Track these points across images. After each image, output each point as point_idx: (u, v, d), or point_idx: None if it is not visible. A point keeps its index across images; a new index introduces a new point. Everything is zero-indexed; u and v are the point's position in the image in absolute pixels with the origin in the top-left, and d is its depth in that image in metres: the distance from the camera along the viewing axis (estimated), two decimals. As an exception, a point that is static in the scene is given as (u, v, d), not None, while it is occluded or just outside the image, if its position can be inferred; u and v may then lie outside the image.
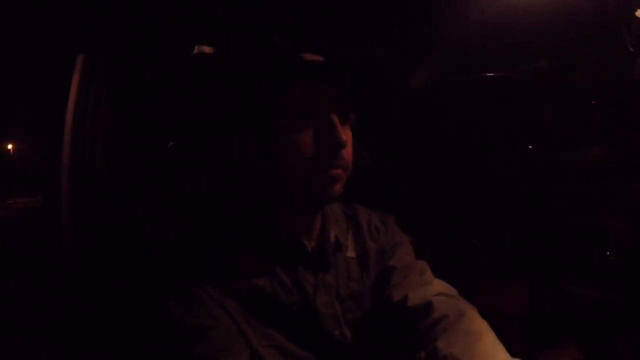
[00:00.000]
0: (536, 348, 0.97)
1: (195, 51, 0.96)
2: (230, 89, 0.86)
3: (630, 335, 1.02)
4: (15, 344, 0.76)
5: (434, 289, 0.82)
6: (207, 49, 0.97)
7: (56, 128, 0.79)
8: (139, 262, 0.91)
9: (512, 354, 0.66)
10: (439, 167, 1.47)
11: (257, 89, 0.79)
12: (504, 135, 1.39)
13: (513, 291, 1.23)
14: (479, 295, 0.81)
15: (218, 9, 0.93)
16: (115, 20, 0.84)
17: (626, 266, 1.09)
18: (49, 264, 0.80)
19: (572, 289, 1.18)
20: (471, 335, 0.70)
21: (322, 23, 0.97)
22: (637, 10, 0.83)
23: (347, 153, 0.77)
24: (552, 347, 0.73)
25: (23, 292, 0.79)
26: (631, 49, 0.85)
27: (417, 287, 0.82)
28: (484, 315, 0.75)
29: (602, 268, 1.14)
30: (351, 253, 0.89)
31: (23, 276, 0.80)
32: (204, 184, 1.01)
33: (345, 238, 0.90)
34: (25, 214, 0.84)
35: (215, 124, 0.98)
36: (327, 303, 0.81)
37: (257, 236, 0.81)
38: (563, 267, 1.22)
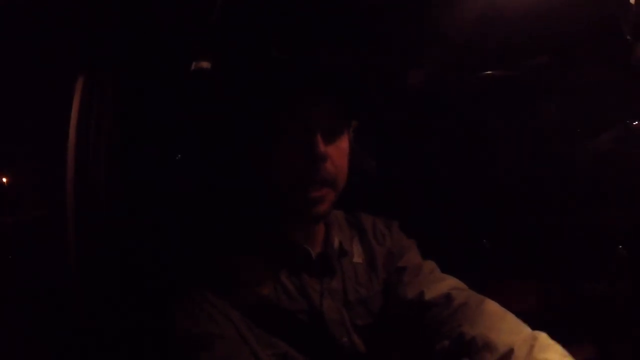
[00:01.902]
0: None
1: (193, 67, 0.98)
2: (227, 101, 0.88)
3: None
4: (19, 349, 0.77)
5: (449, 284, 0.82)
6: (204, 64, 0.99)
7: (59, 141, 0.81)
8: (143, 272, 0.92)
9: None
10: (445, 167, 1.46)
11: (250, 102, 0.80)
12: (509, 132, 1.38)
13: (524, 290, 1.21)
14: (489, 296, 0.80)
15: (218, 20, 0.94)
16: (115, 34, 0.86)
17: (638, 259, 1.07)
18: (53, 273, 0.82)
19: (584, 285, 1.15)
20: (494, 316, 0.72)
21: (316, 23, 0.97)
22: (633, -1, 0.82)
23: (333, 166, 0.75)
24: (567, 345, 0.72)
25: (26, 299, 0.81)
26: (629, 37, 0.84)
27: (431, 283, 0.83)
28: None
29: (614, 262, 1.11)
30: (357, 259, 0.89)
31: (27, 283, 0.81)
32: (208, 192, 1.03)
33: (349, 245, 0.90)
34: (31, 222, 0.85)
35: (217, 135, 1.00)
36: (334, 309, 0.81)
37: (260, 244, 0.81)
38: (574, 263, 1.19)
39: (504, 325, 0.69)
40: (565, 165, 1.27)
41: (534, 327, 0.71)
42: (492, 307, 0.75)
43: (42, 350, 0.82)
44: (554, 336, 0.69)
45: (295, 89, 0.75)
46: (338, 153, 0.77)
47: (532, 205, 1.30)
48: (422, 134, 1.43)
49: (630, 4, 0.82)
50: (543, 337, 0.66)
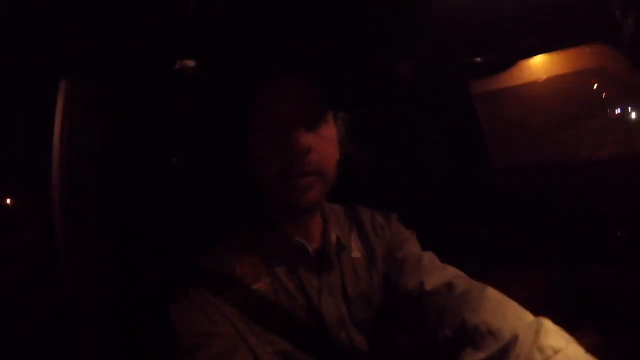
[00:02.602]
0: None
1: (177, 66, 0.97)
2: (213, 100, 0.87)
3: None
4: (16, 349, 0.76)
5: (449, 272, 0.82)
6: (189, 63, 0.98)
7: (44, 146, 0.80)
8: (140, 271, 0.92)
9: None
10: (443, 155, 1.45)
11: (233, 100, 0.80)
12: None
13: (525, 277, 1.20)
14: (491, 284, 0.79)
15: (202, 22, 0.93)
16: (99, 36, 0.85)
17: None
18: (45, 276, 0.81)
19: (586, 270, 1.14)
20: (496, 302, 0.71)
21: (304, 16, 0.96)
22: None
23: (318, 156, 0.75)
24: (571, 331, 0.71)
25: (21, 303, 0.80)
26: (617, 13, 0.82)
27: (431, 272, 0.82)
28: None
29: (615, 246, 1.10)
30: (356, 254, 0.89)
31: (19, 287, 0.80)
32: (201, 190, 1.02)
33: (347, 239, 0.89)
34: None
35: (206, 133, 1.00)
36: (332, 305, 0.81)
37: (257, 241, 0.81)
38: (575, 248, 1.18)
39: (507, 312, 0.68)
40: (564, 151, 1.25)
41: (536, 314, 0.70)
42: (494, 294, 0.74)
43: (42, 352, 0.81)
44: (555, 323, 0.68)
45: (265, 76, 0.75)
46: (322, 142, 0.76)
47: (532, 191, 1.29)
48: (418, 124, 1.42)
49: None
50: (547, 322, 0.65)
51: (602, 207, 1.15)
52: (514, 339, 0.63)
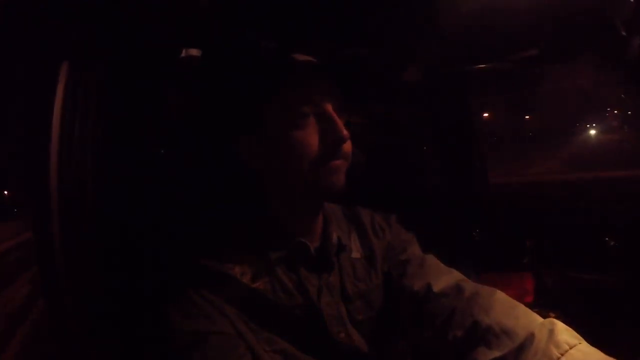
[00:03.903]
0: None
1: (183, 54, 0.95)
2: (220, 91, 0.85)
3: (633, 319, 1.02)
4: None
5: (456, 275, 0.82)
6: (194, 52, 0.96)
7: (42, 136, 0.77)
8: (137, 270, 0.90)
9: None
10: (434, 159, 1.47)
11: (248, 90, 0.79)
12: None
13: (515, 281, 1.23)
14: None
15: (207, 11, 0.92)
16: (100, 25, 0.82)
17: (626, 250, 1.09)
18: (43, 273, 0.79)
19: (573, 275, 1.18)
20: (507, 305, 0.72)
21: (311, 20, 0.96)
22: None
23: (348, 145, 0.78)
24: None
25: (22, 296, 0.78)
26: (624, 33, 0.85)
27: (438, 274, 0.82)
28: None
29: (602, 253, 1.14)
30: (356, 254, 0.89)
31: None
32: (200, 188, 1.01)
33: (347, 239, 0.89)
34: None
35: (206, 127, 0.98)
36: (331, 304, 0.80)
37: (256, 239, 0.80)
38: (564, 254, 1.21)
39: (519, 313, 0.69)
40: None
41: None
42: (503, 296, 0.75)
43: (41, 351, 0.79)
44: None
45: (310, 74, 0.77)
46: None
47: (521, 197, 1.32)
48: (415, 129, 1.43)
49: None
50: (558, 322, 0.67)
51: (590, 216, 1.19)
52: (530, 337, 0.64)
